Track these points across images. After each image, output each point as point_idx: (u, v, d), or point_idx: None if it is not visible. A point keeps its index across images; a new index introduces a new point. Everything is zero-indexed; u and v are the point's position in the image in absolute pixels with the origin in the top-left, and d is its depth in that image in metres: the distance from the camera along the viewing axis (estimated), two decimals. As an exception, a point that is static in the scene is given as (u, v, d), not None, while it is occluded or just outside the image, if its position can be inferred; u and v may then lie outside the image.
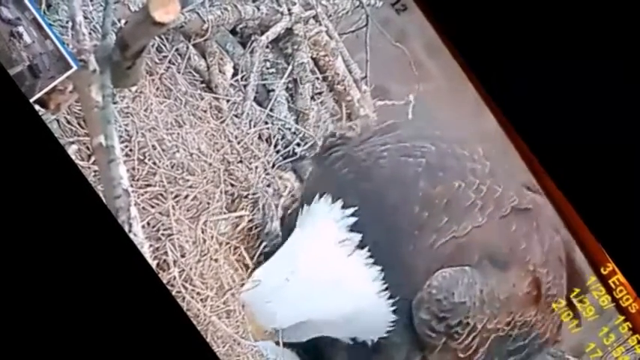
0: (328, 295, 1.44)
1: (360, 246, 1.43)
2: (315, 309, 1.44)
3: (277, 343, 1.48)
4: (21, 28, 1.42)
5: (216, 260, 1.50)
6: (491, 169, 1.46)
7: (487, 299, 1.42)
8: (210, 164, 1.55)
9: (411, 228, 1.42)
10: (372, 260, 1.42)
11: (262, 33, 1.63)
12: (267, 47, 1.63)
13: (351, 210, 1.43)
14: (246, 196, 1.57)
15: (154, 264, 1.44)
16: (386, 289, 1.43)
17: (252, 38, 1.62)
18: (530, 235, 1.46)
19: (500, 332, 1.44)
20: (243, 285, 1.49)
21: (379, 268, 1.42)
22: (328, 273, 1.44)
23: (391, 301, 1.43)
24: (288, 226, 1.53)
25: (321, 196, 1.46)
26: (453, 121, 1.53)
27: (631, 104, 1.53)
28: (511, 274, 1.44)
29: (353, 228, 1.43)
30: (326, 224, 1.45)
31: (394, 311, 1.44)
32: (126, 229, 1.40)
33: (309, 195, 1.48)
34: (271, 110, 1.62)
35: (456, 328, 1.42)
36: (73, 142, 1.46)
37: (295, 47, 1.63)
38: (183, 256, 1.47)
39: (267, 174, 1.60)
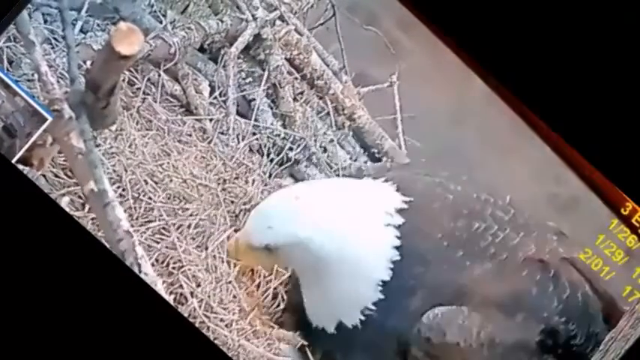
0: (339, 232, 1.42)
1: (397, 227, 1.42)
2: (314, 233, 1.42)
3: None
4: (-13, 91, 1.41)
5: (232, 283, 1.48)
6: (513, 217, 1.46)
7: (486, 342, 1.40)
8: (207, 186, 1.54)
9: (433, 252, 1.42)
10: (397, 252, 1.42)
11: (231, 44, 1.61)
12: (238, 58, 1.62)
13: (408, 199, 1.45)
14: (249, 210, 1.55)
15: (170, 299, 1.44)
16: (384, 284, 1.41)
17: (222, 52, 1.61)
18: (545, 282, 1.43)
19: None
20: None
21: (390, 268, 1.41)
22: (354, 218, 1.43)
23: (378, 300, 1.41)
24: None
25: None
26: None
27: (621, 40, 1.52)
28: (518, 320, 1.42)
29: (402, 214, 1.43)
30: (385, 192, 1.46)
31: (375, 306, 1.42)
32: (135, 270, 1.40)
33: None
34: (256, 120, 1.60)
35: None
36: (64, 194, 1.45)
37: (267, 52, 1.62)
38: (198, 285, 1.46)
39: (266, 185, 1.58)
